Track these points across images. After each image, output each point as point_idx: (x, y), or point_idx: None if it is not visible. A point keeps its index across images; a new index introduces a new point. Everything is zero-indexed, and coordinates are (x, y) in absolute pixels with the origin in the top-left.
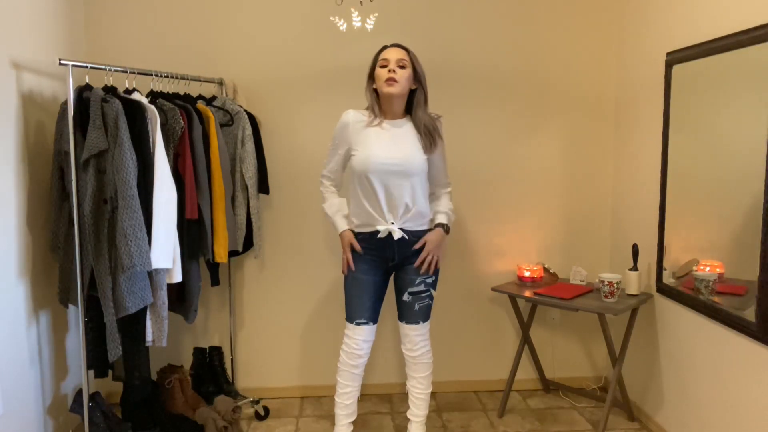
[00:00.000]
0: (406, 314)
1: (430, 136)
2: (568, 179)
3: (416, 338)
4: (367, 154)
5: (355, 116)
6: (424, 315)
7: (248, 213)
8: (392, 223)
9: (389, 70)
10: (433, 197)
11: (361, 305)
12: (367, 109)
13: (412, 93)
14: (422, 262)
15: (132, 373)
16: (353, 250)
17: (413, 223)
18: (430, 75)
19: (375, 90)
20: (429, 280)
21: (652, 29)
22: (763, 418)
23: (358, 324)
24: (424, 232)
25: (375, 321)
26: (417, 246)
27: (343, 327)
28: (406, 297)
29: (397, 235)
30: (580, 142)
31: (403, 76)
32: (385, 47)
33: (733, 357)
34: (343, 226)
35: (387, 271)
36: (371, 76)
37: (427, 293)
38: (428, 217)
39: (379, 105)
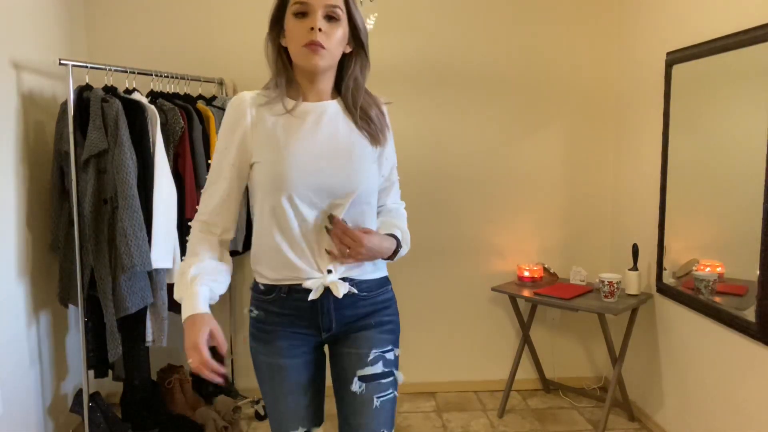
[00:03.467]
0: (356, 419)
1: (372, 122)
2: (568, 179)
3: None
4: (281, 161)
5: (256, 101)
6: (388, 419)
7: (248, 213)
8: (329, 271)
9: (312, 28)
10: (383, 209)
11: (292, 408)
12: (266, 88)
13: (343, 58)
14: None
15: (132, 373)
16: (254, 326)
17: (362, 269)
18: (430, 74)
19: (284, 49)
20: (390, 355)
21: (652, 29)
22: (763, 418)
23: None
24: (378, 281)
25: (320, 422)
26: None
27: None
28: (356, 386)
29: (343, 289)
30: (581, 141)
31: (335, 36)
32: None
33: (733, 357)
34: (200, 305)
35: (320, 345)
36: (276, 24)
37: (390, 378)
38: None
39: (289, 77)
